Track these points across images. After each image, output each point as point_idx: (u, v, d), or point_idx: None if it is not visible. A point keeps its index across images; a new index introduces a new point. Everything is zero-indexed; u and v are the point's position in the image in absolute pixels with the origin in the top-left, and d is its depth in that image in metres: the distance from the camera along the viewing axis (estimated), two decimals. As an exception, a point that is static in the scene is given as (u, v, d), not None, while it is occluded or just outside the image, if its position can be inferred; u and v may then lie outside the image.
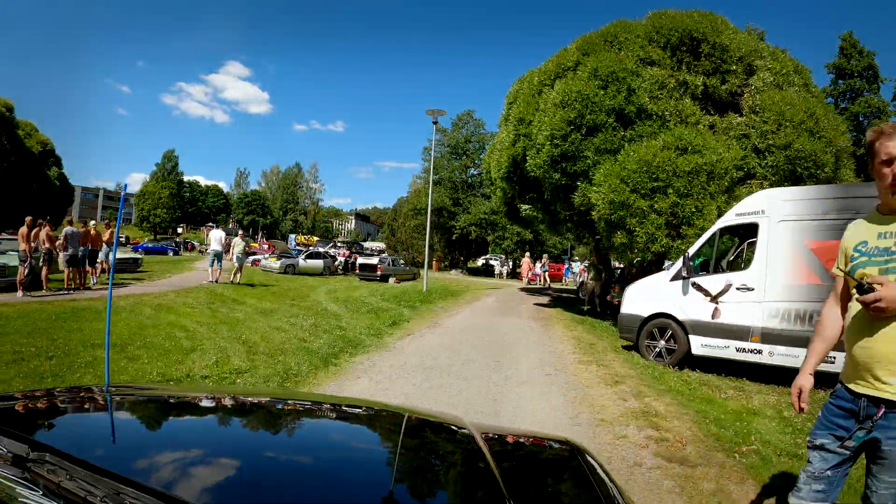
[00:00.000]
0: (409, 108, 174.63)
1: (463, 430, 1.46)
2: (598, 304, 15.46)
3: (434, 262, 40.28)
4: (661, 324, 8.04)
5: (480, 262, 44.18)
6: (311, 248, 31.34)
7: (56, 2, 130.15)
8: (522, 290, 24.13)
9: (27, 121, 33.19)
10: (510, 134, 13.32)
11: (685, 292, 7.81)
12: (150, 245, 39.05)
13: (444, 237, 41.52)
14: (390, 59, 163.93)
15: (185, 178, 77.77)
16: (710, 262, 8.08)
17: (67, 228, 12.60)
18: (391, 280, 23.90)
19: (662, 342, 8.00)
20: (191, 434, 1.35)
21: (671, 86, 11.27)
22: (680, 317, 7.79)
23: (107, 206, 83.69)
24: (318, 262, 25.56)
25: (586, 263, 16.20)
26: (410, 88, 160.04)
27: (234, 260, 16.28)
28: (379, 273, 24.16)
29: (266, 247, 37.76)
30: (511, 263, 36.40)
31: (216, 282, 15.81)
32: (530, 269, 30.74)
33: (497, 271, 36.96)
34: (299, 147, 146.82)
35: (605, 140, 10.76)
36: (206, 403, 1.59)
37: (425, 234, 22.12)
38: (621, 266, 19.10)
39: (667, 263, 18.27)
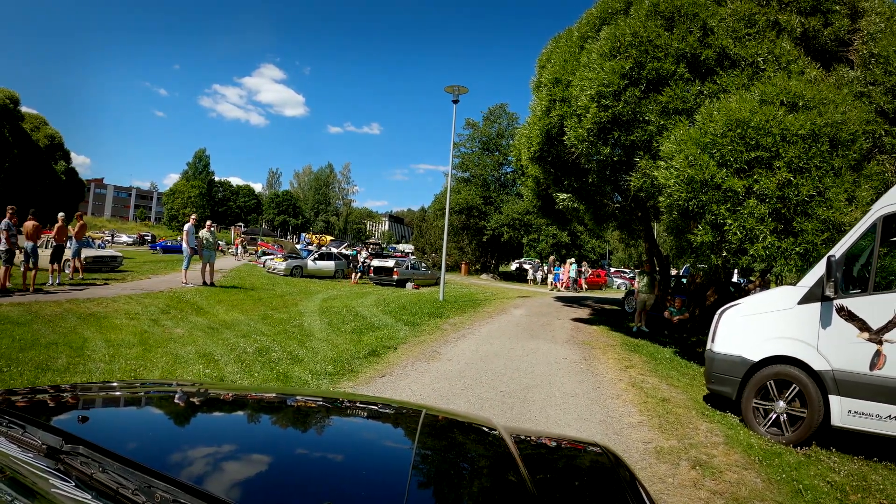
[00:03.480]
0: (446, 110, 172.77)
1: (494, 432, 1.43)
2: (644, 322, 12.04)
3: (463, 266, 37.34)
4: (780, 374, 4.93)
5: (514, 266, 40.82)
6: (323, 248, 28.59)
7: (92, 9, 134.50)
8: (558, 299, 20.88)
9: (35, 113, 32.10)
10: (543, 101, 10.21)
11: (825, 323, 4.70)
12: (169, 244, 37.93)
13: (475, 239, 38.42)
14: (426, 62, 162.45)
15: (217, 178, 77.44)
16: (868, 272, 4.84)
17: (4, 221, 10.66)
18: (409, 285, 21.11)
19: (782, 404, 4.90)
20: (215, 430, 1.33)
21: (761, 24, 8.07)
22: (815, 364, 4.71)
23: (139, 205, 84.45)
24: (329, 264, 23.06)
25: (637, 271, 12.88)
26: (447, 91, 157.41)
27: (201, 255, 13.94)
28: (395, 277, 21.42)
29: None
30: (545, 268, 32.94)
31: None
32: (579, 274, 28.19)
33: (530, 276, 33.59)
34: (334, 149, 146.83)
35: (674, 97, 7.60)
36: (235, 400, 1.61)
37: (451, 232, 19.21)
38: (681, 275, 15.66)
39: (736, 277, 14.70)
